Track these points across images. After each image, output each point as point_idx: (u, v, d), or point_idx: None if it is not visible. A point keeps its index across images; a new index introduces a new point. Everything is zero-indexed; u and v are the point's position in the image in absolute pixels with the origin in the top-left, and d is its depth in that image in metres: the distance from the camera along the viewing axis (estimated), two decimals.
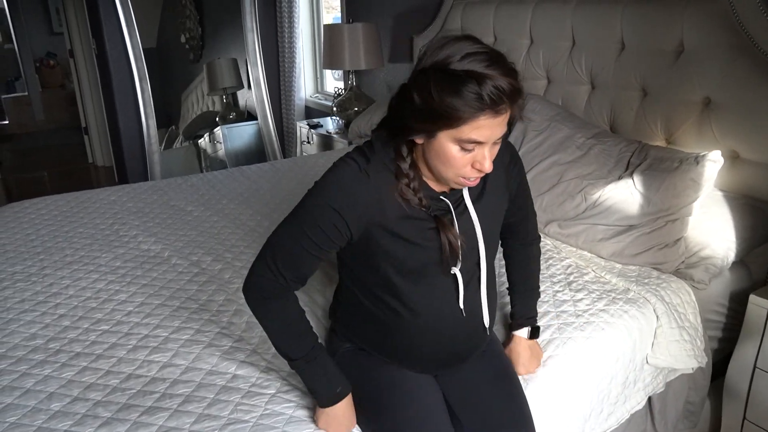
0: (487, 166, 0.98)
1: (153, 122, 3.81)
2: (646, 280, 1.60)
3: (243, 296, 1.11)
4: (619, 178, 1.75)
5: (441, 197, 1.07)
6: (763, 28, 1.66)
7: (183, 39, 4.07)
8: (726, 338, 1.76)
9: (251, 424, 1.11)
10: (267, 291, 1.08)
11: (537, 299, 1.36)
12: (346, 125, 3.41)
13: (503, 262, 1.38)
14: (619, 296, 1.53)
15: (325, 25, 3.39)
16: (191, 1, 4.04)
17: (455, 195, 1.09)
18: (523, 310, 1.33)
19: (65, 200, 2.33)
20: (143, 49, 3.71)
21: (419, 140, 0.99)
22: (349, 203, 1.01)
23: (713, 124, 1.82)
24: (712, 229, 1.66)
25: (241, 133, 4.27)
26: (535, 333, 1.32)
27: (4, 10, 6.92)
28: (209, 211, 2.21)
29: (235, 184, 2.54)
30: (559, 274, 1.65)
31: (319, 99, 4.23)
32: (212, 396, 1.19)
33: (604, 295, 1.53)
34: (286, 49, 4.11)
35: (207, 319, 1.47)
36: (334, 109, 3.49)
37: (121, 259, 1.82)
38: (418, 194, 1.04)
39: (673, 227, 1.63)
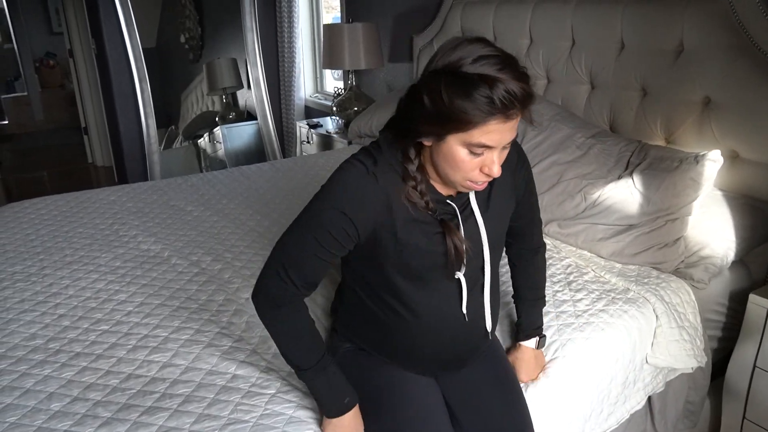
0: (496, 171, 0.96)
1: (153, 122, 3.81)
2: (645, 280, 1.60)
3: (243, 297, 1.11)
4: (619, 177, 1.75)
5: (447, 201, 1.06)
6: (763, 29, 1.66)
7: (183, 39, 4.07)
8: (726, 338, 1.76)
9: (251, 424, 1.10)
10: (277, 298, 1.06)
11: (543, 307, 1.34)
12: (346, 125, 3.40)
13: (507, 266, 1.36)
14: (618, 296, 1.53)
15: (324, 25, 3.39)
16: (191, 1, 4.04)
17: (461, 198, 1.08)
18: (530, 320, 1.31)
19: (65, 200, 2.33)
20: (143, 49, 3.71)
21: (427, 142, 0.98)
22: (357, 205, 1.00)
23: (713, 123, 1.82)
24: (712, 228, 1.66)
25: (241, 133, 4.27)
26: (542, 342, 1.31)
27: (4, 10, 6.92)
28: (209, 211, 2.21)
29: (235, 184, 2.54)
30: (559, 274, 1.65)
31: (319, 99, 4.23)
32: (212, 396, 1.19)
33: (604, 295, 1.53)
34: (285, 49, 4.11)
35: (207, 319, 1.47)
36: (334, 108, 3.49)
37: (121, 259, 1.82)
38: (424, 198, 1.02)
39: (672, 227, 1.63)
